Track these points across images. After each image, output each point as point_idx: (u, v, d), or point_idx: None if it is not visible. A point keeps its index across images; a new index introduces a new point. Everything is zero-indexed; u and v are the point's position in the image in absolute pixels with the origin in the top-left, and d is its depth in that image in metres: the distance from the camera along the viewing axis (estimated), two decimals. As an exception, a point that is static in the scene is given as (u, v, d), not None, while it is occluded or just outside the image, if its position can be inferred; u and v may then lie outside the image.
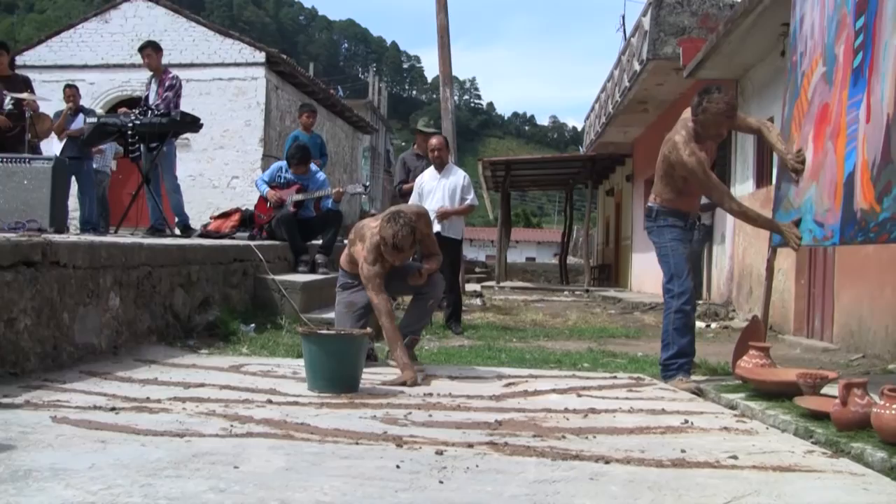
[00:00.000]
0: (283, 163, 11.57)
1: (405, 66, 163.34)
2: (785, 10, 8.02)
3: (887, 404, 4.31)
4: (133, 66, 22.17)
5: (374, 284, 6.61)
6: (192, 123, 11.79)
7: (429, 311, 7.42)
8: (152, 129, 11.29)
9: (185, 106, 12.17)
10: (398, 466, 3.84)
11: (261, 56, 24.33)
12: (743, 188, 14.18)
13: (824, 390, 5.55)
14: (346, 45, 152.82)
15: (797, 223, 6.49)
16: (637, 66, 17.90)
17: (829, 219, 5.92)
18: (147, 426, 4.44)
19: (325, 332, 6.35)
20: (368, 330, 6.50)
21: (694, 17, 16.45)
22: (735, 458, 4.22)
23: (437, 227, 10.17)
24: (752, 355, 6.28)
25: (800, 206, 6.41)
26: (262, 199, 11.53)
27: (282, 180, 11.40)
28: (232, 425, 4.57)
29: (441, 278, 7.33)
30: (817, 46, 6.65)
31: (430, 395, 5.85)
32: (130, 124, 11.24)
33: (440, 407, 5.40)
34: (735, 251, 14.26)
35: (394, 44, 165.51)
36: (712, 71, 14.41)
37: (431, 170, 10.57)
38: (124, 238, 8.78)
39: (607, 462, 4.05)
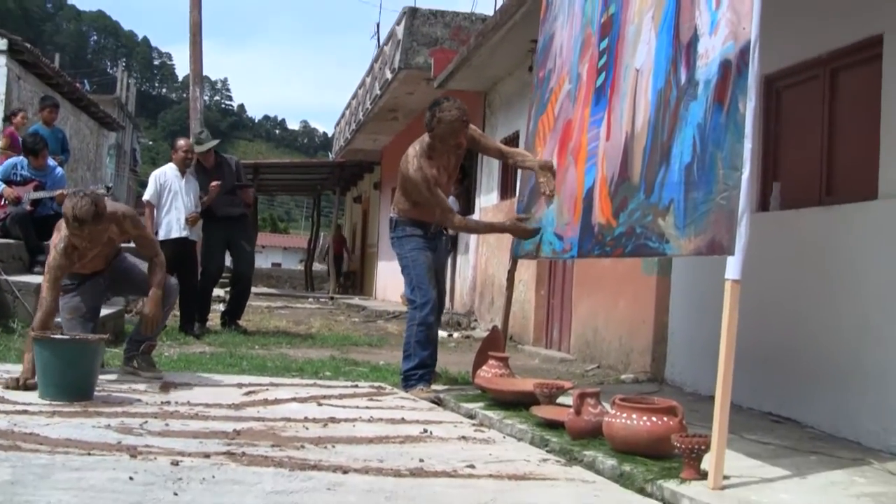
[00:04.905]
0: (20, 159, 11.02)
1: (156, 62, 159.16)
2: (534, 27, 8.21)
3: (617, 413, 4.46)
4: None
5: (52, 276, 6.13)
6: None
7: (164, 316, 7.01)
8: None
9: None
10: (131, 478, 3.70)
11: (2, 43, 22.95)
12: (487, 199, 14.48)
13: (560, 400, 5.70)
14: (95, 37, 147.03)
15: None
16: (389, 75, 18.03)
17: (569, 232, 6.07)
18: None
19: (58, 336, 6.05)
20: (105, 335, 6.24)
21: (447, 29, 16.70)
22: (472, 466, 4.27)
23: (185, 233, 10.03)
24: (491, 365, 6.38)
25: (541, 219, 6.56)
26: (-3, 196, 10.96)
27: (18, 178, 10.86)
28: (-49, 436, 4.29)
29: (175, 284, 7.04)
30: (564, 64, 6.82)
31: (168, 403, 5.69)
32: None
33: (177, 416, 5.26)
34: (478, 261, 14.53)
35: (145, 39, 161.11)
36: (462, 82, 14.65)
37: (174, 170, 10.27)
38: None
39: (345, 472, 4.02)
